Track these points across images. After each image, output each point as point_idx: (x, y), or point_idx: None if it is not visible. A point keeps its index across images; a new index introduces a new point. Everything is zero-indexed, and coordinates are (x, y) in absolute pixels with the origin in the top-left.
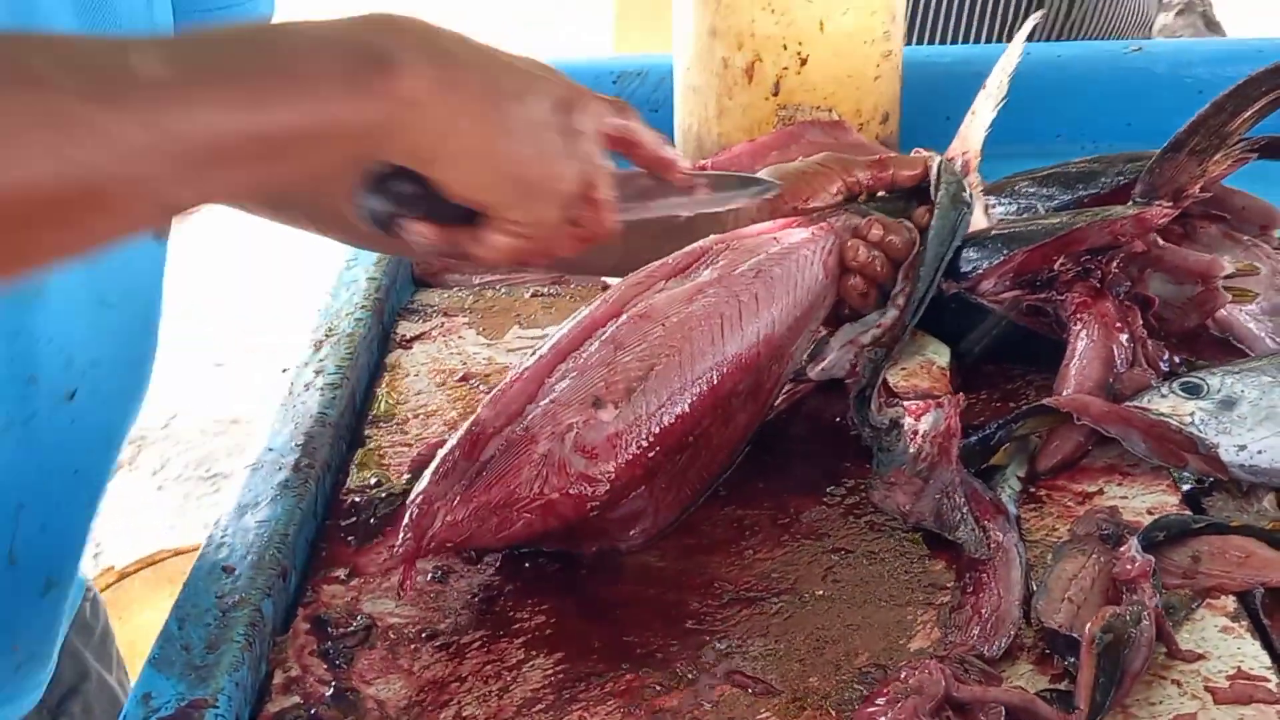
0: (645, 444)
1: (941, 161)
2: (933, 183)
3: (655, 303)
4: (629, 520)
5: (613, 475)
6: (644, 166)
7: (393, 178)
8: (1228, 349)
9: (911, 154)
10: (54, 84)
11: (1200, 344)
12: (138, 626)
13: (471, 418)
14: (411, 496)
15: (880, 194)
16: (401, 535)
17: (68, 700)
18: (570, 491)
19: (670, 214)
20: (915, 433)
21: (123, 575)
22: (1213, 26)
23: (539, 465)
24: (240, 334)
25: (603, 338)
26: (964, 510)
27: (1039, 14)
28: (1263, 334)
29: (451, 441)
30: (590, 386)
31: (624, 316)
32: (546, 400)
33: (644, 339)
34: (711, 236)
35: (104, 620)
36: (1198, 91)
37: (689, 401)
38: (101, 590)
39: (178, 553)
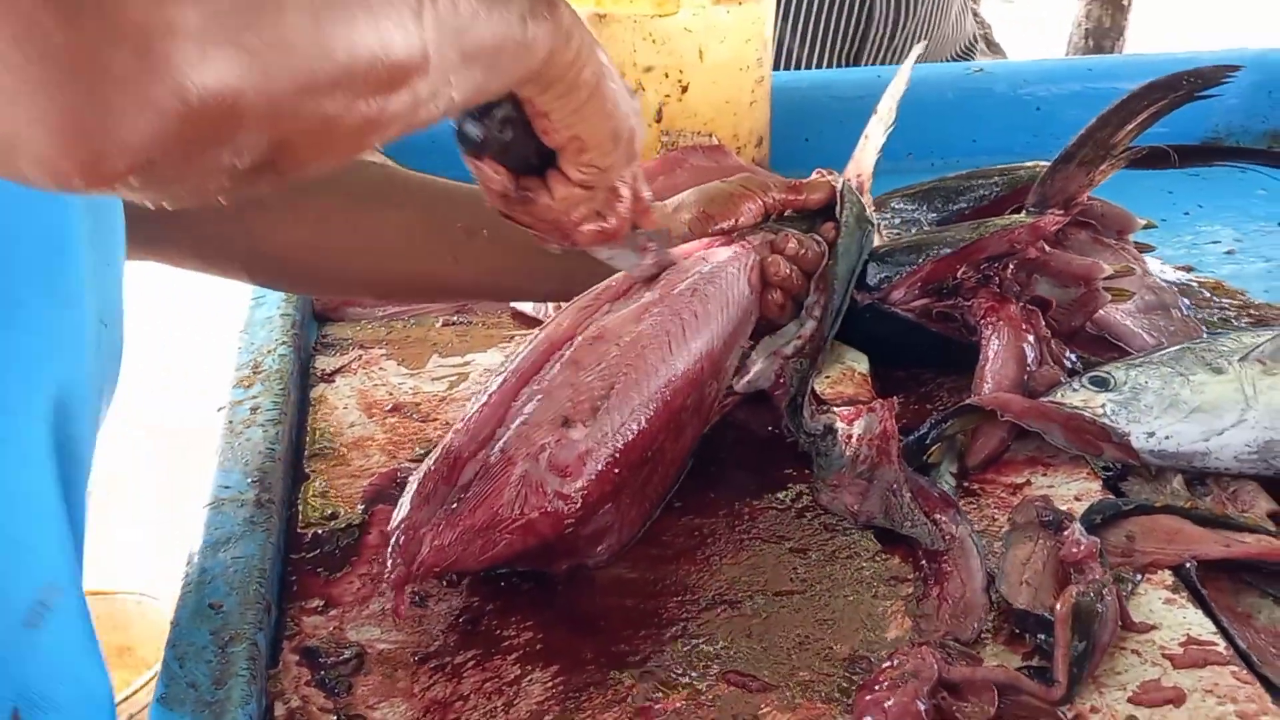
0: (612, 459)
1: (844, 183)
2: (839, 203)
3: (606, 324)
4: (598, 536)
5: (585, 492)
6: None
7: (493, 109)
8: (1105, 345)
9: (814, 176)
10: None
11: (1079, 342)
12: None
13: (443, 444)
14: (394, 523)
15: (787, 214)
16: (391, 562)
17: None
18: (548, 509)
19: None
20: (850, 436)
21: None
22: (993, 47)
23: (518, 486)
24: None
25: (562, 360)
26: (910, 507)
27: (921, 45)
28: (1139, 330)
29: (426, 467)
30: (558, 407)
31: (579, 339)
32: (517, 422)
33: (601, 359)
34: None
35: None
36: (1035, 108)
37: (647, 416)
38: None
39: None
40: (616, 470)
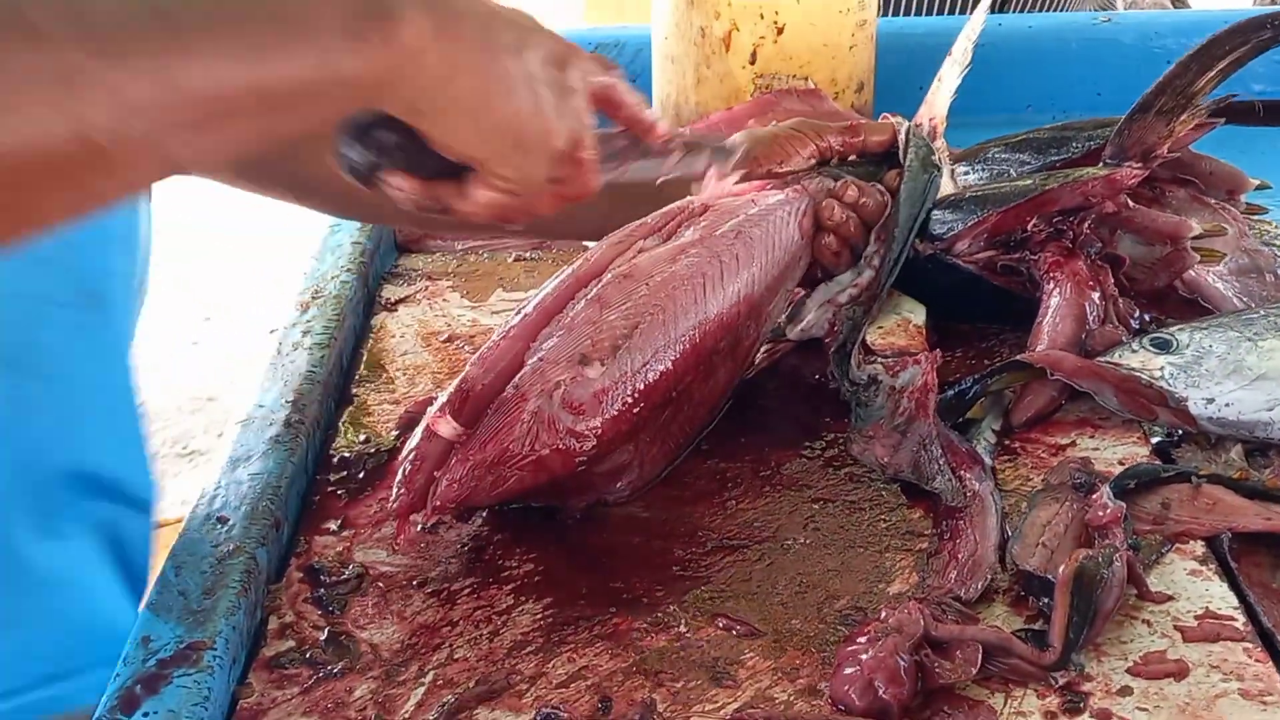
0: (630, 400)
1: (909, 127)
2: (901, 147)
3: (639, 263)
4: (615, 474)
5: (599, 430)
6: (625, 126)
7: (375, 127)
8: (1195, 308)
9: (880, 119)
10: (56, 37)
11: (1169, 304)
12: None
13: (460, 376)
14: (404, 453)
15: (851, 159)
16: (395, 491)
17: None
18: (559, 447)
19: (644, 177)
20: (892, 388)
21: None
22: (1178, 2)
23: (530, 422)
24: (214, 312)
25: (588, 297)
26: (940, 462)
27: None
28: (1229, 294)
29: (441, 399)
30: (577, 344)
31: (608, 276)
32: (534, 359)
33: (629, 298)
34: (689, 197)
35: None
36: (1165, 61)
37: (672, 358)
38: None
39: (161, 524)
40: (636, 409)
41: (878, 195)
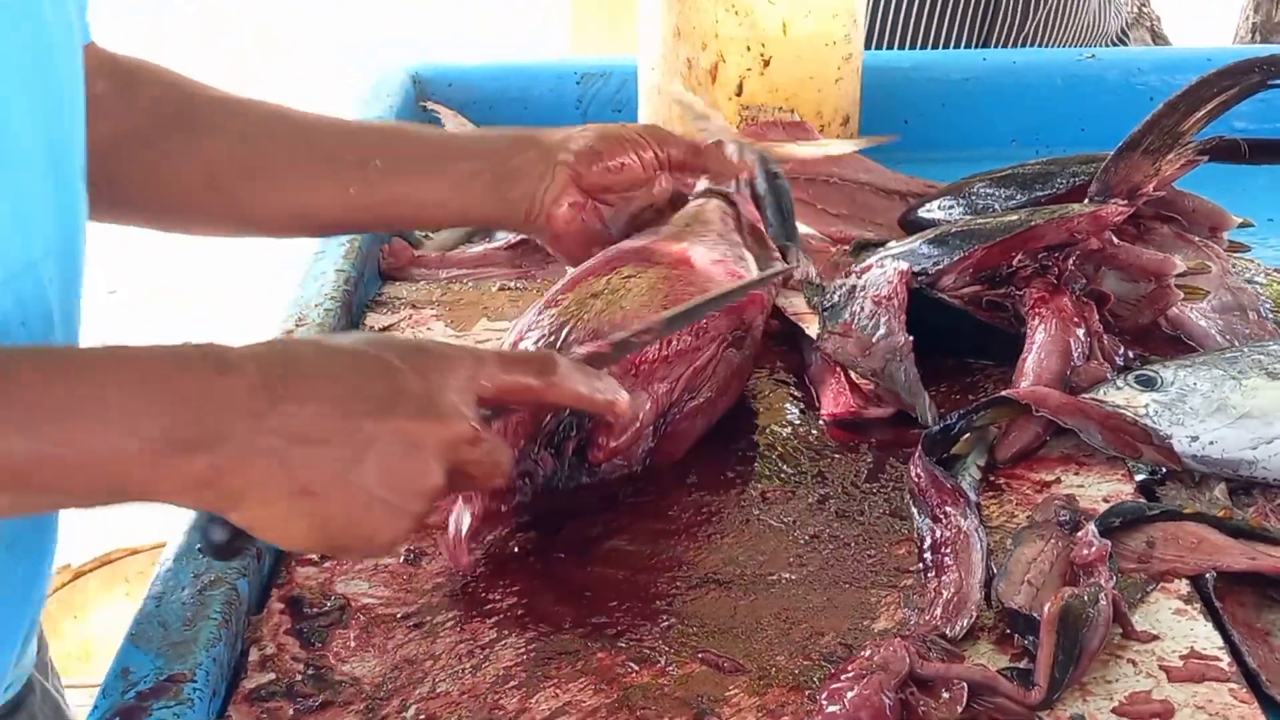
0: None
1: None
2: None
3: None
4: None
5: None
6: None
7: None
8: (1179, 346)
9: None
10: None
11: (1153, 340)
12: (94, 624)
13: None
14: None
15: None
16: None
17: (14, 714)
18: None
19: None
20: (855, 289)
21: (78, 574)
22: (1159, 39)
23: None
24: (195, 333)
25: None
26: (915, 377)
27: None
28: (1213, 331)
29: None
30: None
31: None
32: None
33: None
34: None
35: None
36: (1148, 98)
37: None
38: (57, 589)
39: (134, 551)
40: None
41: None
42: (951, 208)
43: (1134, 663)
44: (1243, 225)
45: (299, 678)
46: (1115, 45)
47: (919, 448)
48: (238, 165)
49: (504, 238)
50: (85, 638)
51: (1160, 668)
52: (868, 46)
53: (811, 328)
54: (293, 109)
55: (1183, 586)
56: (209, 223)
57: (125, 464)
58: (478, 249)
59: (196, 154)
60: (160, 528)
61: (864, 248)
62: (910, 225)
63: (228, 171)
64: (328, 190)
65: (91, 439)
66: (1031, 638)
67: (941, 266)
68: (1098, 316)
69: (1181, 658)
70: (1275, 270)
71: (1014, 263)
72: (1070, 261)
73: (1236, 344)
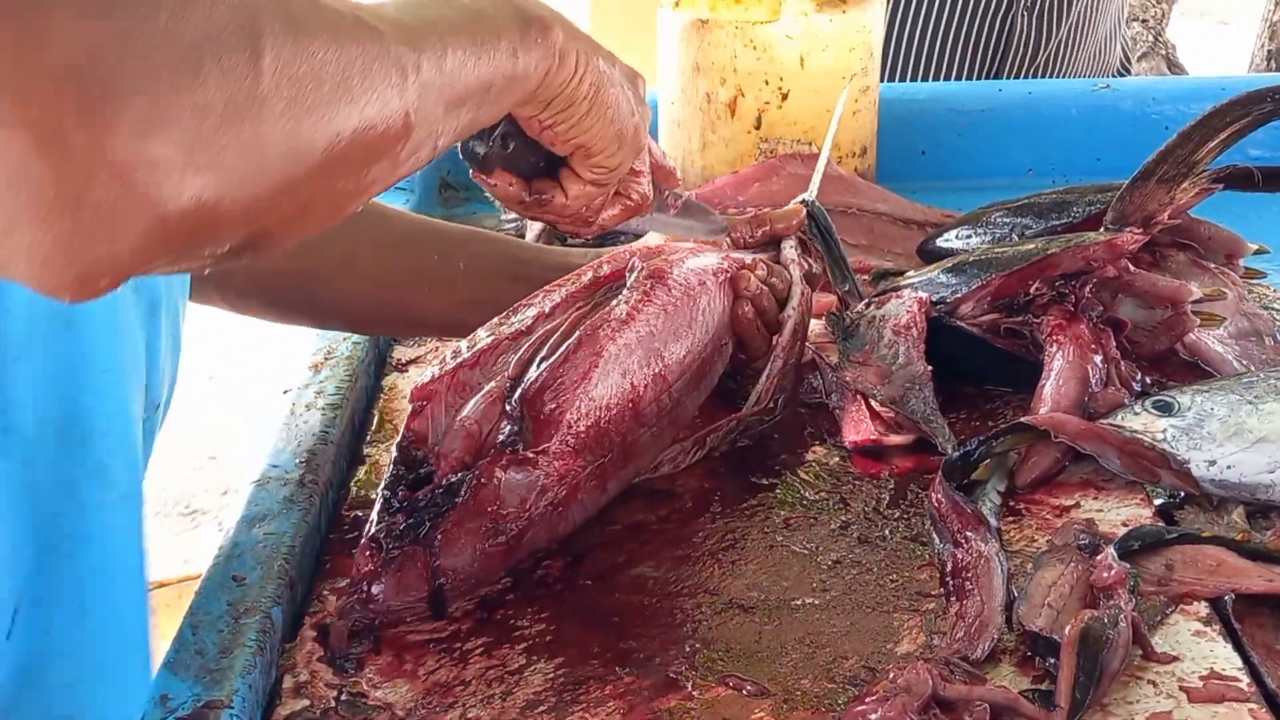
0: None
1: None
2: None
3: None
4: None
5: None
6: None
7: (496, 129)
8: (1196, 371)
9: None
10: (385, 33)
11: (1170, 366)
12: None
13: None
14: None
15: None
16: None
17: None
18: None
19: (650, 228)
20: (874, 319)
21: None
22: (1175, 68)
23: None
24: (215, 374)
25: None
26: (932, 404)
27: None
28: (1230, 357)
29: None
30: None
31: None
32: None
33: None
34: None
35: None
36: (1163, 127)
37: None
38: None
39: (160, 585)
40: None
41: (784, 274)
42: (969, 237)
43: (1154, 684)
44: (1258, 252)
45: (333, 704)
46: (1120, 75)
47: (939, 474)
48: (318, 258)
49: None
50: None
51: (1180, 689)
52: (884, 78)
53: (831, 356)
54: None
55: (1202, 609)
56: (281, 311)
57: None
58: None
59: None
60: (184, 562)
61: (883, 277)
62: (928, 255)
63: (307, 263)
64: (411, 287)
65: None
66: (1052, 660)
67: (960, 295)
68: (1115, 343)
69: (1201, 679)
70: None
71: (1031, 290)
72: (1087, 289)
73: (1253, 369)
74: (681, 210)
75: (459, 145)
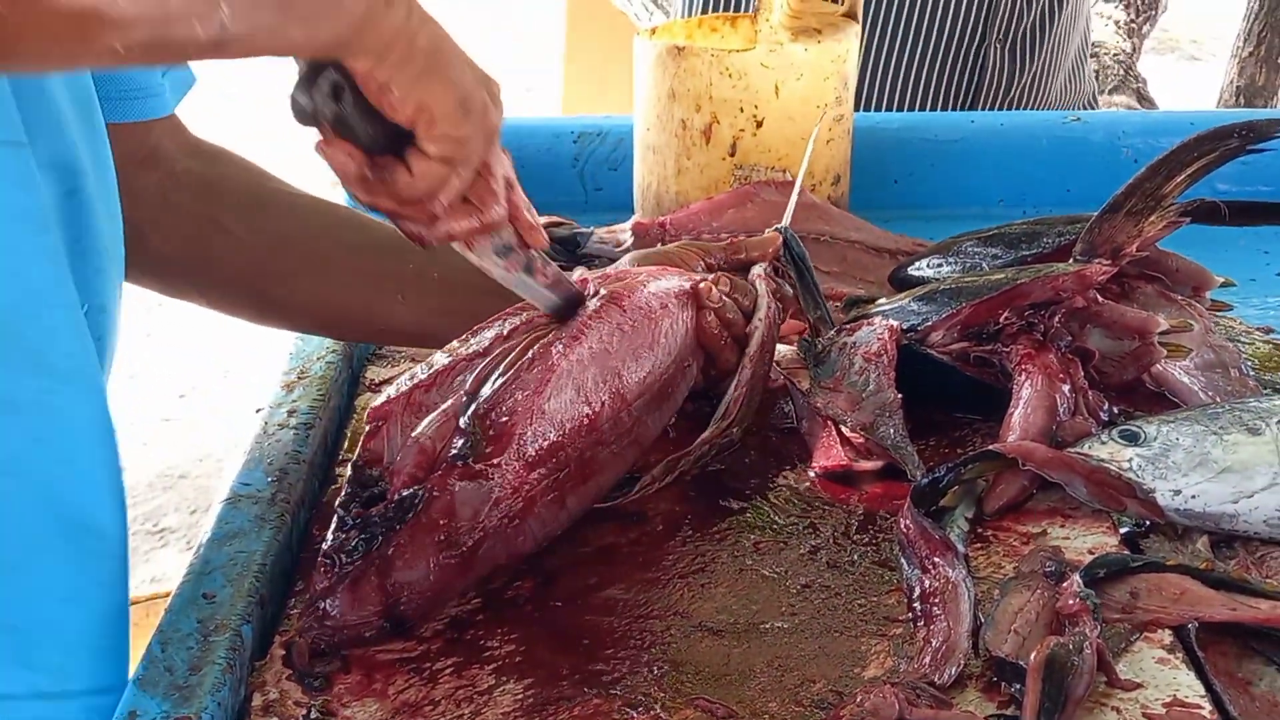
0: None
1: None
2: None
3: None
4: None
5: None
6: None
7: (319, 76)
8: (1163, 402)
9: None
10: None
11: (1137, 397)
12: None
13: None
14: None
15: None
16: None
17: None
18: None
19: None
20: (845, 345)
21: None
22: (1145, 102)
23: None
24: (186, 392)
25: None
26: (903, 432)
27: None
28: (1196, 388)
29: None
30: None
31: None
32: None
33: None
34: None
35: None
36: (1133, 160)
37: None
38: None
39: (132, 602)
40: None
41: (748, 289)
42: (940, 266)
43: (1118, 710)
44: (1225, 285)
45: None
46: (1088, 109)
47: (908, 500)
48: (300, 254)
49: None
50: None
51: (1144, 715)
52: (858, 108)
53: (803, 382)
54: (355, 210)
55: (1166, 636)
56: (253, 305)
57: None
58: None
59: (260, 234)
60: (152, 580)
61: (854, 304)
62: (900, 283)
63: (290, 258)
64: (386, 294)
65: None
66: (1018, 685)
67: (930, 323)
68: (1083, 373)
69: (1165, 705)
70: (1257, 329)
71: (1001, 319)
72: (1056, 319)
73: (1218, 400)
74: (551, 283)
75: (290, 99)
